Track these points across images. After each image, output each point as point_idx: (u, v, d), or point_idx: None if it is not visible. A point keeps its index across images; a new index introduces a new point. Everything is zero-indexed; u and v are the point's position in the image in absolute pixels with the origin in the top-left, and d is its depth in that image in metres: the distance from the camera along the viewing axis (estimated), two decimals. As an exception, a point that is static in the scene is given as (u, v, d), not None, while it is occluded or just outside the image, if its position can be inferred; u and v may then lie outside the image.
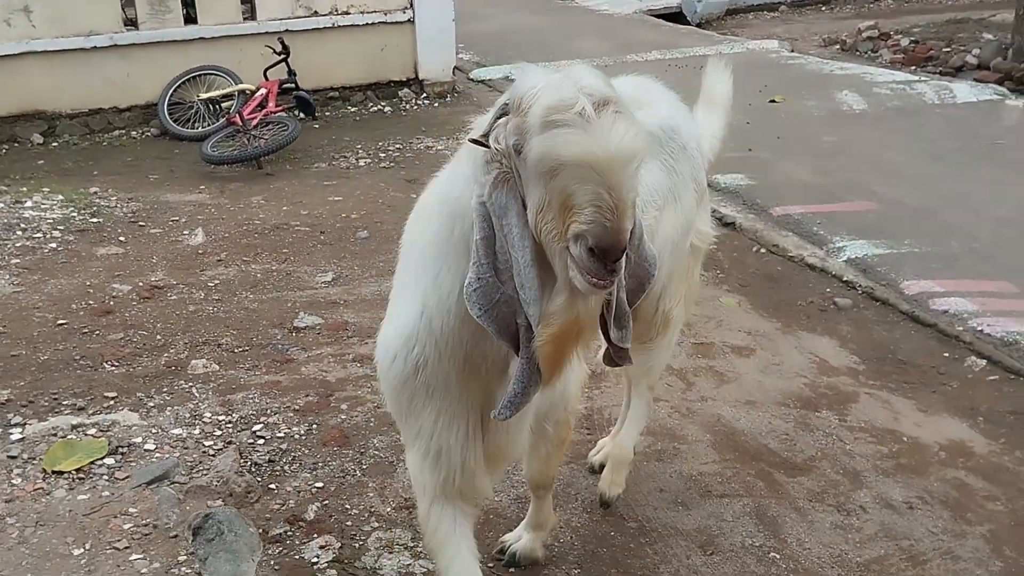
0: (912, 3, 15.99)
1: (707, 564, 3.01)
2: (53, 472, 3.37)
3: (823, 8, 16.29)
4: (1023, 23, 10.17)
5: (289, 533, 3.12)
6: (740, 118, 7.97)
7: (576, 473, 3.47)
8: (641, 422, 3.30)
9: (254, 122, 7.55)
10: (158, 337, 4.48)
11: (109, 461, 3.46)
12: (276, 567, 2.97)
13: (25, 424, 3.69)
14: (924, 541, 3.12)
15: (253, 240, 5.80)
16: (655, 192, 2.66)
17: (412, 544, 3.05)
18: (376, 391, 3.90)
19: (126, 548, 3.00)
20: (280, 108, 7.98)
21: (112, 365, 4.21)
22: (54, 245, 5.66)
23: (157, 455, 3.52)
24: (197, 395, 3.96)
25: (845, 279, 5.14)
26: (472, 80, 10.30)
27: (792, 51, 11.87)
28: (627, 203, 1.63)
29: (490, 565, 2.95)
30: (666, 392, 4.02)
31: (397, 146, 7.90)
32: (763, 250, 5.61)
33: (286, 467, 3.49)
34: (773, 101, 8.88)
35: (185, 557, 2.96)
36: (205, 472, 3.40)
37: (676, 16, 15.22)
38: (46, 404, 3.86)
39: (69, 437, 3.58)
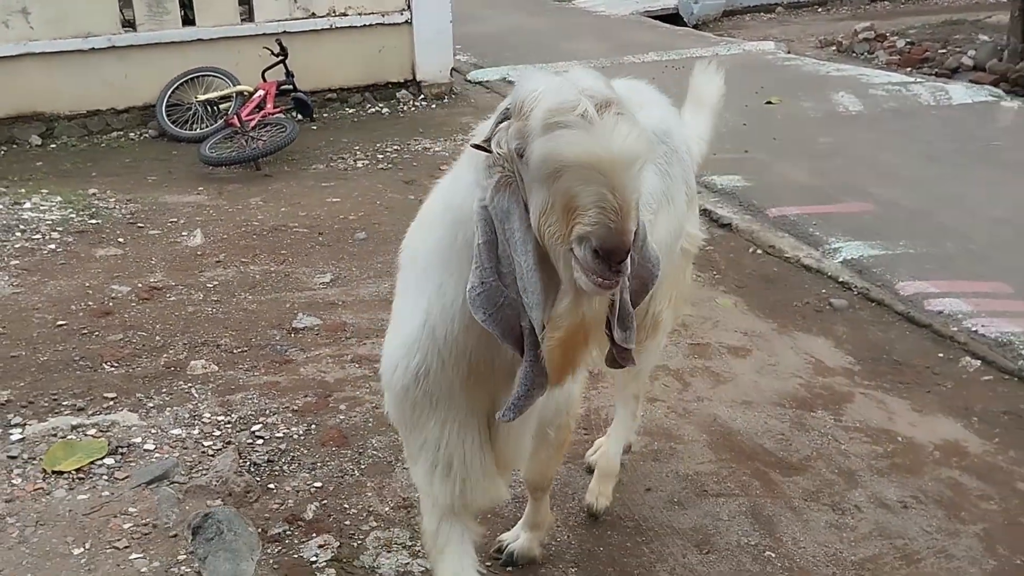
0: (908, 5, 16.04)
1: (703, 563, 3.04)
2: (53, 472, 3.38)
3: (819, 10, 16.35)
4: (1018, 24, 10.22)
5: (288, 532, 3.14)
6: (737, 119, 8.04)
7: (573, 473, 3.50)
8: (627, 433, 3.34)
9: (252, 123, 7.56)
10: (157, 338, 4.50)
11: (109, 461, 3.47)
12: (275, 566, 2.99)
13: (25, 424, 3.70)
14: (918, 540, 3.15)
15: (252, 241, 5.81)
16: (650, 195, 2.68)
17: (410, 543, 3.07)
18: (374, 391, 3.93)
19: (126, 547, 3.02)
20: (278, 109, 8.00)
21: (111, 366, 4.22)
22: (53, 246, 5.68)
23: (157, 455, 3.53)
24: (196, 395, 3.98)
25: (841, 280, 5.17)
26: (469, 81, 10.33)
27: (788, 52, 11.91)
28: (631, 204, 1.63)
29: (488, 564, 2.96)
30: (663, 392, 4.05)
31: (395, 147, 7.92)
32: (759, 251, 5.64)
33: (285, 467, 3.51)
34: (769, 102, 8.92)
35: (185, 556, 2.98)
36: (204, 472, 3.42)
37: (673, 17, 15.28)
38: (46, 405, 3.87)
39: (69, 437, 3.60)
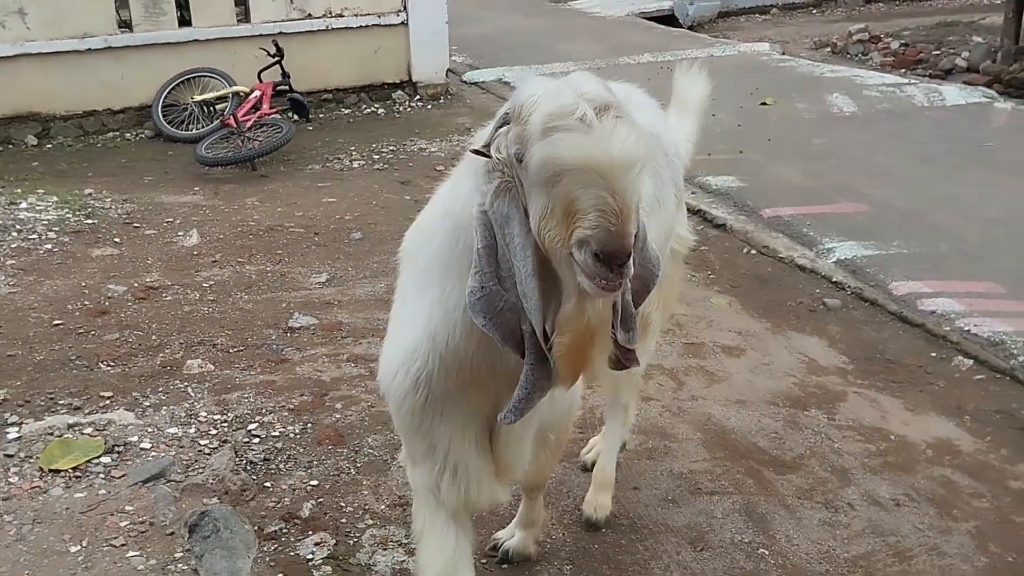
0: (902, 6, 16.10)
1: (697, 560, 3.06)
2: (50, 470, 3.39)
3: (814, 11, 16.39)
4: (1012, 26, 10.27)
5: (284, 530, 3.15)
6: (731, 120, 8.08)
7: (568, 471, 3.51)
8: (619, 443, 3.35)
9: (248, 124, 7.57)
10: (153, 337, 4.51)
11: (105, 460, 3.48)
12: (271, 564, 3.00)
13: (22, 423, 3.71)
14: (910, 537, 3.17)
15: (248, 241, 5.82)
16: (643, 198, 2.69)
17: (406, 541, 3.08)
18: (370, 391, 3.94)
19: (123, 545, 3.03)
20: (274, 110, 8.02)
21: (108, 365, 4.23)
22: (49, 246, 5.68)
23: (153, 454, 3.54)
24: (192, 395, 3.99)
25: (834, 280, 5.19)
26: (465, 82, 10.35)
27: (783, 54, 11.94)
28: (631, 207, 1.62)
29: (483, 562, 2.99)
30: (657, 391, 4.07)
31: (391, 148, 7.93)
32: (753, 251, 5.66)
33: (281, 465, 3.52)
34: (764, 104, 8.94)
35: (181, 554, 2.99)
36: (201, 470, 3.43)
37: (668, 19, 15.30)
38: (42, 403, 3.88)
39: (65, 436, 3.61)
